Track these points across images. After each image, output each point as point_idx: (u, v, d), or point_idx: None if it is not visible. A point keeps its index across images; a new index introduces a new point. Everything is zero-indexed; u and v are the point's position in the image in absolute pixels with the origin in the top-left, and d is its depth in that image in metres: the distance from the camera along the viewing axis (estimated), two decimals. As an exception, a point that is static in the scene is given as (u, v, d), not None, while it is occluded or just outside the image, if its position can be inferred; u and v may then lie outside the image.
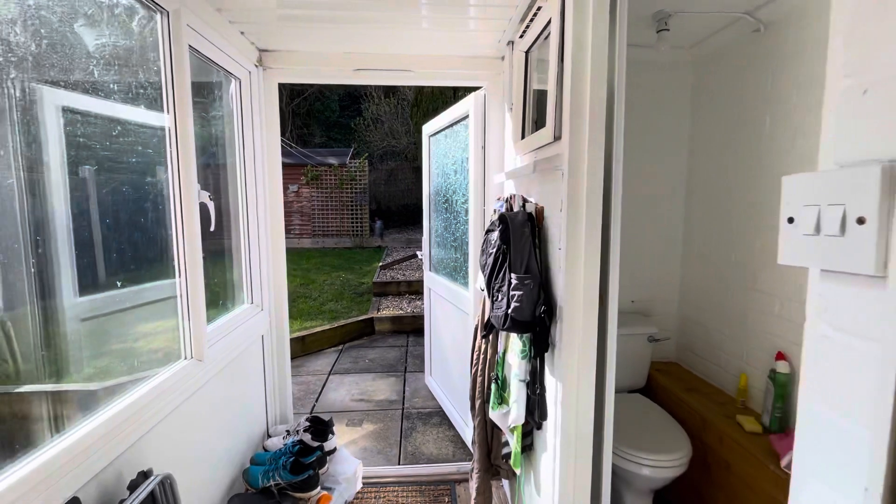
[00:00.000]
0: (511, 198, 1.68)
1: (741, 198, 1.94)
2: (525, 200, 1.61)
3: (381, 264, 7.62)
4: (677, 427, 1.85)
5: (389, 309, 5.43)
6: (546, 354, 1.47)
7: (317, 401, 3.33)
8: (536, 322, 1.41)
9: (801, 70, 1.63)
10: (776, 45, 1.74)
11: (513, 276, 1.43)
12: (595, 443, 1.40)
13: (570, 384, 1.36)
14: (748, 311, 1.90)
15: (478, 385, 1.98)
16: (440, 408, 3.15)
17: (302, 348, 4.28)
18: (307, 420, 2.15)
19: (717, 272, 2.09)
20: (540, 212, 1.53)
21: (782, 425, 1.67)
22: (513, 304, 1.41)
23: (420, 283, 5.82)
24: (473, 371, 2.04)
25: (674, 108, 2.28)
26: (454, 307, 2.73)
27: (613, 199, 1.31)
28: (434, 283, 3.17)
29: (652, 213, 2.36)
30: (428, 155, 3.18)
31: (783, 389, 1.66)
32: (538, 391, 1.47)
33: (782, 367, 1.67)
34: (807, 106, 1.60)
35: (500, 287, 1.50)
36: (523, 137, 1.77)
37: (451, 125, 2.70)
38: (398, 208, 14.16)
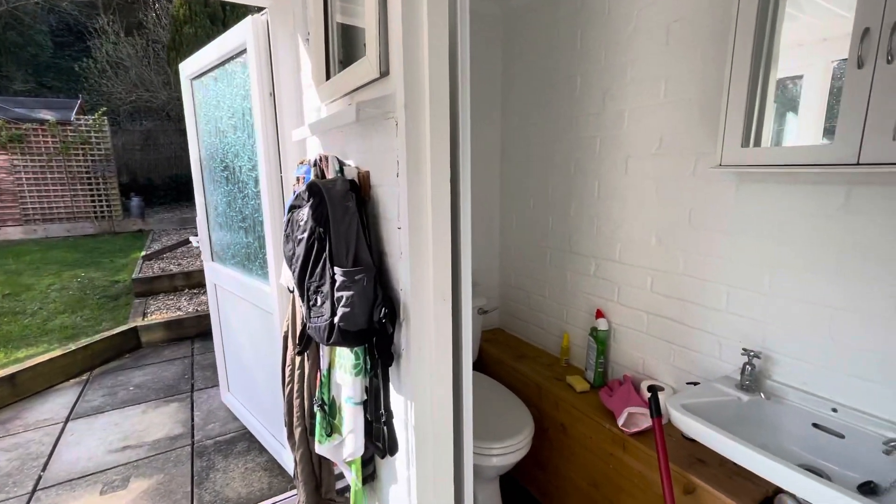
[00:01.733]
0: (322, 160, 1.22)
1: (556, 161, 1.93)
2: (342, 163, 1.18)
3: (144, 254, 5.93)
4: (518, 402, 1.79)
5: (162, 311, 4.22)
6: (390, 368, 1.12)
7: (44, 469, 2.26)
8: (375, 329, 1.04)
9: (609, 29, 1.62)
10: (583, 1, 1.71)
11: (337, 270, 1.01)
12: (455, 461, 1.15)
13: (424, 402, 1.05)
14: (567, 274, 1.95)
15: (296, 409, 1.51)
16: (245, 429, 2.52)
17: (12, 392, 2.89)
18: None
19: (537, 237, 2.10)
20: (365, 178, 1.13)
21: (605, 379, 1.76)
22: (340, 310, 1.00)
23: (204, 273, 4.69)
24: (288, 391, 1.56)
25: (485, 65, 2.14)
26: (252, 306, 2.13)
27: (462, 159, 1.01)
28: (220, 277, 2.44)
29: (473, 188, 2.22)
30: (192, 105, 2.35)
31: (603, 345, 1.74)
32: (383, 417, 1.12)
33: (602, 324, 1.74)
34: (615, 66, 1.61)
35: (320, 287, 1.07)
36: (329, 78, 1.31)
37: (223, 63, 1.98)
38: (164, 181, 11.39)
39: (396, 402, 1.14)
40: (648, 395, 1.35)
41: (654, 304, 1.59)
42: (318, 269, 1.06)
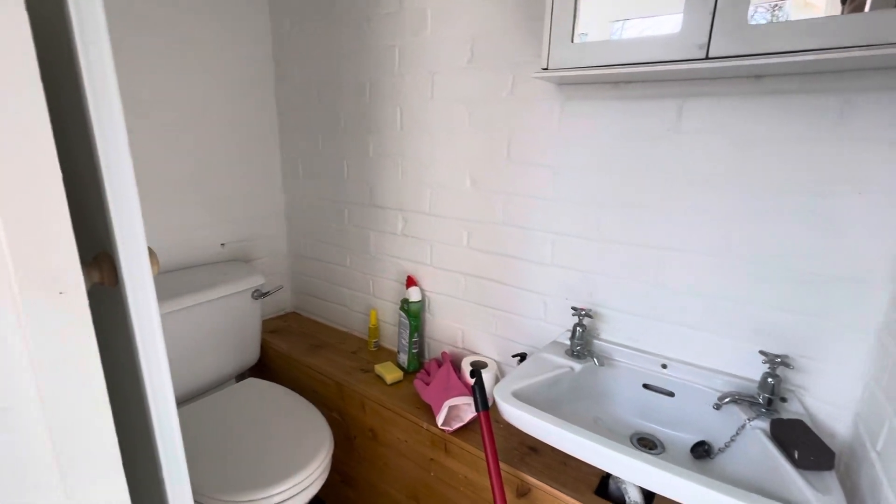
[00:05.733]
0: None
1: (346, 82, 1.44)
2: None
3: None
4: (310, 411, 1.31)
5: None
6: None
7: None
8: None
9: None
10: None
11: None
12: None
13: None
14: (370, 234, 1.52)
15: None
16: None
17: None
18: None
19: (330, 189, 1.60)
20: None
21: (420, 361, 1.42)
22: None
23: None
24: None
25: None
26: None
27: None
28: None
29: (234, 122, 1.56)
30: None
31: (417, 320, 1.39)
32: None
33: (414, 294, 1.38)
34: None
35: None
36: None
37: None
38: None
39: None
40: (470, 377, 1.04)
41: (471, 262, 1.29)
42: None
